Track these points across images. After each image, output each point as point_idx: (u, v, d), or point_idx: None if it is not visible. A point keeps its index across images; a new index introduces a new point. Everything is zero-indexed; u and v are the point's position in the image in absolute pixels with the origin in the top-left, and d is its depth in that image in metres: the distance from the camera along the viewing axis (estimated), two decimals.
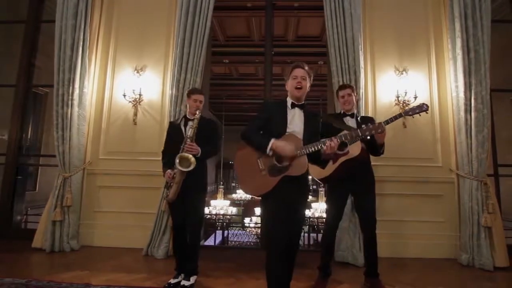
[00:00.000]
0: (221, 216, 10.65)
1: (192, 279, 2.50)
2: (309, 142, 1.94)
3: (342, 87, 2.77)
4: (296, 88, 2.00)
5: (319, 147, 1.89)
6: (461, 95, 3.39)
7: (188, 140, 2.51)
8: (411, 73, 3.71)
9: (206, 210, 10.98)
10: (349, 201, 3.07)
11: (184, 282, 2.44)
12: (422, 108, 2.25)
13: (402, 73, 3.70)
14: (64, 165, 3.50)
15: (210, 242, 9.52)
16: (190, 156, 2.45)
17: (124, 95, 3.74)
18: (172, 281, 2.49)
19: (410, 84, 3.65)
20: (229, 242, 10.01)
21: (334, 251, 2.65)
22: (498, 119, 4.46)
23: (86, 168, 3.72)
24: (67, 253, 3.35)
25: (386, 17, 3.83)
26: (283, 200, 1.89)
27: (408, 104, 3.60)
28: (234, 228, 10.25)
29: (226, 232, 9.26)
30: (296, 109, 2.05)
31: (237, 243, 9.36)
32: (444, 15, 3.75)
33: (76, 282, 2.53)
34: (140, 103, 3.78)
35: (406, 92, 3.61)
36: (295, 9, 7.15)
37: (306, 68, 2.04)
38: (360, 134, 2.00)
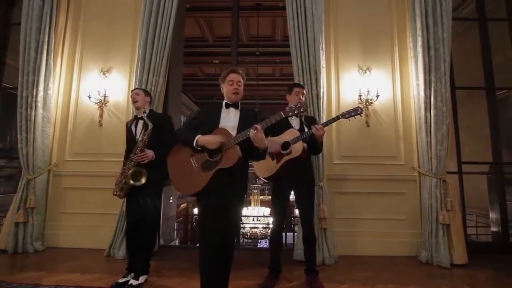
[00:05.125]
0: None
1: (141, 279, 2.52)
2: None
3: (300, 86, 2.82)
4: (234, 93, 2.08)
5: (247, 134, 1.91)
6: (422, 93, 3.41)
7: (138, 150, 2.53)
8: (375, 72, 3.72)
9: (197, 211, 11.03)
10: None
11: (132, 281, 2.46)
12: (357, 111, 2.41)
13: (365, 72, 3.71)
14: (28, 167, 3.52)
15: None
16: (144, 172, 2.49)
17: (89, 97, 3.75)
18: (120, 280, 2.50)
19: (373, 83, 3.66)
20: None
21: (282, 248, 2.68)
22: (482, 117, 4.42)
23: (52, 170, 3.75)
24: (30, 255, 3.36)
25: (350, 16, 3.84)
26: (216, 197, 1.91)
27: (371, 103, 3.63)
28: None
29: None
30: (231, 108, 2.11)
31: None
32: (407, 14, 3.76)
33: (27, 282, 2.55)
34: (106, 104, 3.80)
35: (368, 91, 3.63)
36: (280, 9, 7.19)
37: (241, 72, 2.13)
38: (284, 115, 1.98)
